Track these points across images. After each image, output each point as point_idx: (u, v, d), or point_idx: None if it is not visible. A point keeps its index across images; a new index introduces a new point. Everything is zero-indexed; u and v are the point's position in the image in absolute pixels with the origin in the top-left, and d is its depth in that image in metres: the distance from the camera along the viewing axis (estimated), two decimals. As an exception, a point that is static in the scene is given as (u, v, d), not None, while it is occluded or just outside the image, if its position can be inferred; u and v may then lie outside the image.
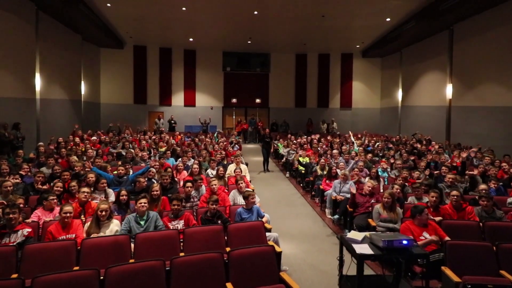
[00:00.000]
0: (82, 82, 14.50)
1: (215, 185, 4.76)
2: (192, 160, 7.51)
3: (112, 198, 4.68)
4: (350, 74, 18.03)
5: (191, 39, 15.73)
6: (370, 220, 4.46)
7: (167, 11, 12.03)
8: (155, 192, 4.42)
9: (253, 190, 6.19)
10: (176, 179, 5.92)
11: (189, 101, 17.54)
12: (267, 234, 3.93)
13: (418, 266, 3.22)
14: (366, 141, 11.04)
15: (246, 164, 8.83)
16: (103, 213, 3.60)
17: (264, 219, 4.20)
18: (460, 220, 3.97)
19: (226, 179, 6.01)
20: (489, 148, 8.85)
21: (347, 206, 5.17)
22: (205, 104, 17.70)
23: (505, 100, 9.80)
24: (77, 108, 13.92)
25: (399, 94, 16.02)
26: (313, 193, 7.37)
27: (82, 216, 4.06)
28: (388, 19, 12.67)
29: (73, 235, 3.45)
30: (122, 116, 16.37)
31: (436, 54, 13.10)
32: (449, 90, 12.27)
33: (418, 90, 14.62)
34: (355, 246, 2.83)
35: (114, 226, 3.74)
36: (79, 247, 3.15)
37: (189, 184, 4.66)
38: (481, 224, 3.79)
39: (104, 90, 16.85)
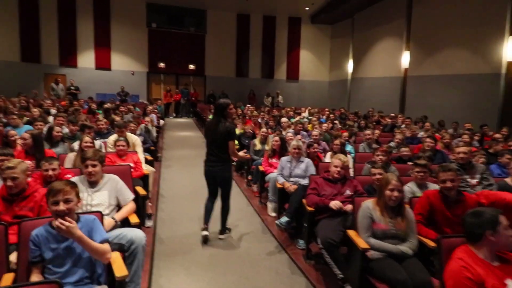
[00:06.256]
0: None
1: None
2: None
3: None
4: (298, 42, 15.99)
5: (101, -20, 12.07)
6: (352, 232, 2.31)
7: None
8: None
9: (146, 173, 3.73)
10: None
11: (103, 63, 13.87)
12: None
13: None
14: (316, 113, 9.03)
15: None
16: None
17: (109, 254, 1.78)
18: None
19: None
20: (454, 122, 7.48)
21: (304, 202, 2.99)
22: (124, 67, 14.19)
23: (469, 66, 8.62)
24: None
25: (350, 65, 14.50)
26: (249, 177, 5.11)
27: None
28: (343, -28, 10.74)
29: None
30: (5, 78, 12.26)
31: (392, 19, 11.59)
32: (405, 59, 10.90)
33: (370, 60, 13.16)
34: None
35: None
36: None
37: None
38: None
39: (-25, 42, 12.31)
